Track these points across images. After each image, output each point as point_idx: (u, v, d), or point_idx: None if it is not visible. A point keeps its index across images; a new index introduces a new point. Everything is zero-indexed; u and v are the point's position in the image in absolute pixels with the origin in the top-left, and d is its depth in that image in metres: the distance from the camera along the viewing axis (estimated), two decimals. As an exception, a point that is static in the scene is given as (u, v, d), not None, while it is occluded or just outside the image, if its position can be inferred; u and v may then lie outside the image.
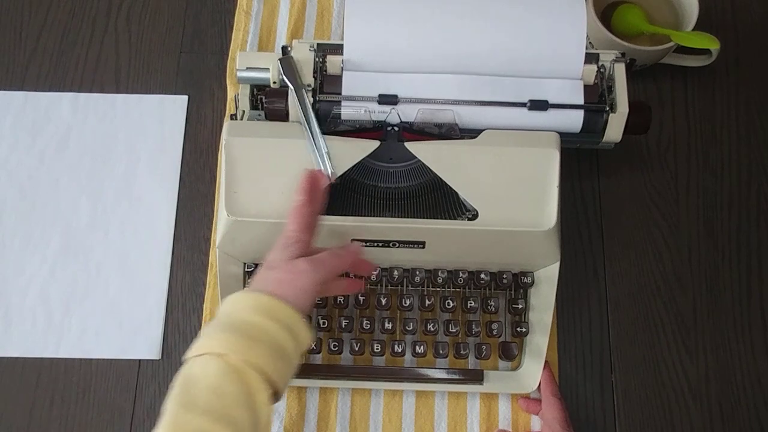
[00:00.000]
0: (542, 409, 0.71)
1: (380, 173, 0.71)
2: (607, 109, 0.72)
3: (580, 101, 0.72)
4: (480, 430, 0.73)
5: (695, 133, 0.85)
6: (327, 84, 0.72)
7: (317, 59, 0.72)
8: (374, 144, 0.69)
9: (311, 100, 0.70)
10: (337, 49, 0.72)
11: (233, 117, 0.76)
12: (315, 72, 0.72)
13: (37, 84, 0.87)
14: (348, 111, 0.71)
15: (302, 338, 0.55)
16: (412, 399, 0.74)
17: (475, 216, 0.67)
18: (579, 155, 0.83)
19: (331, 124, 0.71)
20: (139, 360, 0.76)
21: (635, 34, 0.84)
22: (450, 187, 0.68)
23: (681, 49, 0.83)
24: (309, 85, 0.71)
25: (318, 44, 0.72)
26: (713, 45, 0.81)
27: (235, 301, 0.55)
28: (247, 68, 0.74)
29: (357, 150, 0.69)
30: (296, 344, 0.55)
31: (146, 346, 0.76)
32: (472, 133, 0.70)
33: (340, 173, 0.67)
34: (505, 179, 0.68)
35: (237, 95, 0.76)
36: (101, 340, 0.76)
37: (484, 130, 0.70)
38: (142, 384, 0.75)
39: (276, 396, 0.53)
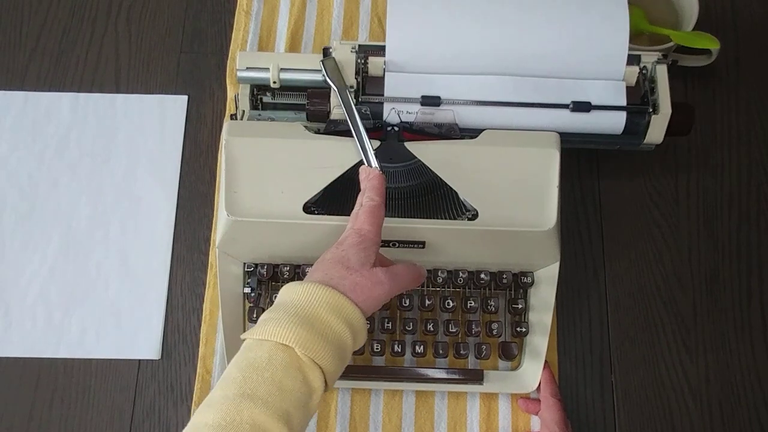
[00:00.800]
0: (541, 409, 0.71)
1: (380, 173, 0.71)
2: (650, 110, 0.72)
3: (623, 102, 0.72)
4: (480, 430, 0.73)
5: (695, 133, 0.85)
6: (369, 85, 0.72)
7: (359, 60, 0.72)
8: (374, 144, 0.69)
9: (354, 101, 0.70)
10: (379, 50, 0.72)
11: (233, 117, 0.76)
12: (357, 73, 0.72)
13: (37, 84, 0.87)
14: (389, 112, 0.71)
15: (359, 343, 0.56)
16: (412, 399, 0.74)
17: (475, 216, 0.67)
18: (579, 155, 0.83)
19: (330, 125, 0.71)
20: (139, 360, 0.76)
21: (635, 34, 0.84)
22: (450, 187, 0.68)
23: (681, 49, 0.83)
24: (351, 87, 0.71)
25: (360, 45, 0.73)
26: (713, 45, 0.81)
27: (310, 293, 0.54)
28: (247, 68, 0.74)
29: (357, 150, 0.69)
30: (354, 347, 0.55)
31: (146, 346, 0.76)
32: (472, 133, 0.70)
33: (339, 174, 0.67)
34: (505, 179, 0.67)
35: (237, 95, 0.76)
36: (101, 340, 0.76)
37: (484, 130, 0.70)
38: (142, 384, 0.75)
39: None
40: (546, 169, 0.68)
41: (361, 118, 0.68)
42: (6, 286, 0.78)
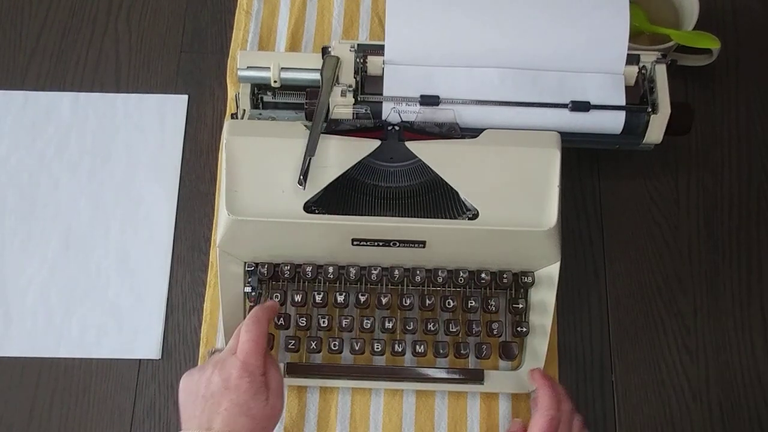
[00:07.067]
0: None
1: (381, 173, 0.71)
2: (649, 110, 0.72)
3: (622, 99, 0.72)
4: (480, 429, 0.73)
5: (695, 133, 0.85)
6: (368, 84, 0.72)
7: (358, 60, 0.72)
8: (375, 143, 0.69)
9: (352, 100, 0.70)
10: (378, 49, 0.72)
11: (234, 116, 0.76)
12: (356, 72, 0.72)
13: (37, 84, 0.87)
14: (389, 112, 0.71)
15: None
16: (412, 398, 0.74)
17: (475, 215, 0.67)
18: (579, 155, 0.83)
19: (332, 123, 0.71)
20: (139, 360, 0.76)
21: (635, 33, 0.84)
22: (450, 187, 0.68)
23: (681, 49, 0.83)
24: (350, 86, 0.71)
25: (359, 45, 0.73)
26: (713, 45, 0.81)
27: None
28: (247, 67, 0.74)
29: (358, 149, 0.69)
30: None
31: (146, 346, 0.76)
32: (472, 133, 0.70)
33: (340, 173, 0.67)
34: (505, 179, 0.68)
35: (237, 94, 0.76)
36: (101, 340, 0.76)
37: (486, 129, 0.70)
38: (142, 384, 0.75)
39: None
40: (546, 169, 0.68)
41: (360, 118, 0.68)
42: (6, 286, 0.78)
